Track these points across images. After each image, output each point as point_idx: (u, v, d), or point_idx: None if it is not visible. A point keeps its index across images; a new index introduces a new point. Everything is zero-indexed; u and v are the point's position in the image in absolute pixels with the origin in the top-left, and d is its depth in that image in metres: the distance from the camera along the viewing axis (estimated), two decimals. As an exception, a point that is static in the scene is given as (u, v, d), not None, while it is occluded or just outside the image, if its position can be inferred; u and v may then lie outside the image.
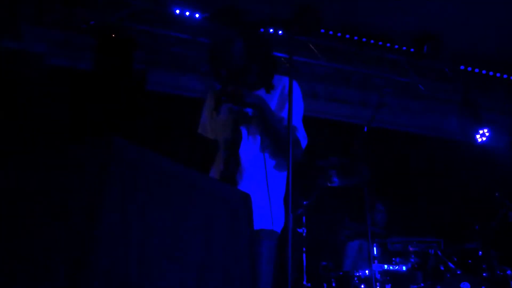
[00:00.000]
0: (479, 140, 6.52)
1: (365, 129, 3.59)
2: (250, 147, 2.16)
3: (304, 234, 3.91)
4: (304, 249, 3.76)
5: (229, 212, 1.55)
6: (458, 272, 3.56)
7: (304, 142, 2.23)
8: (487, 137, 6.48)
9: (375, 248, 3.85)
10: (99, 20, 5.01)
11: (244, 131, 2.17)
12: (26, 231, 1.15)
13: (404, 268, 3.73)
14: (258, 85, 2.21)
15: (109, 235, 1.11)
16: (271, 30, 5.36)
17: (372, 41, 5.84)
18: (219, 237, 1.49)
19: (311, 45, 5.70)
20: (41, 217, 1.13)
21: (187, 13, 5.09)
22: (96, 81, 4.97)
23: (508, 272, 3.74)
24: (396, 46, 5.96)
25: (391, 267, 3.76)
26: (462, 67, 6.31)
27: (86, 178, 1.13)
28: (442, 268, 3.69)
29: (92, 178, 1.12)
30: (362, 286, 3.84)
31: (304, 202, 3.98)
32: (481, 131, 6.55)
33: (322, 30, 5.60)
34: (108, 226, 1.11)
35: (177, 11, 5.07)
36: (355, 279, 3.83)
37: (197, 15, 5.10)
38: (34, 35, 4.90)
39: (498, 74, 6.45)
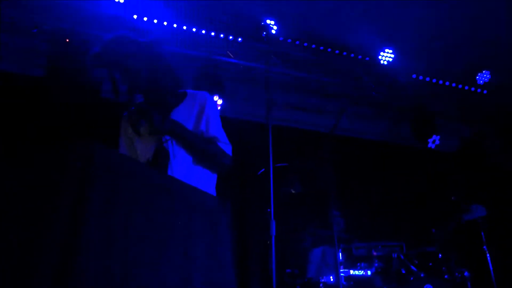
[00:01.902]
0: (432, 145, 6.75)
1: (329, 135, 3.63)
2: (177, 165, 2.12)
3: (268, 242, 3.88)
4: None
5: (211, 221, 1.50)
6: (421, 275, 3.63)
7: (228, 149, 2.20)
8: (438, 142, 6.72)
9: (340, 254, 3.88)
10: (52, 25, 4.81)
11: (169, 149, 2.13)
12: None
13: (369, 272, 3.77)
14: (168, 103, 2.19)
15: (93, 244, 1.06)
16: (237, 39, 5.38)
17: (329, 50, 5.95)
18: (201, 245, 1.44)
19: (270, 53, 5.72)
20: (20, 228, 1.05)
21: (145, 18, 5.00)
22: (49, 88, 4.76)
23: (466, 273, 3.85)
24: (352, 55, 6.10)
25: (356, 272, 3.80)
26: (414, 76, 6.54)
27: (68, 186, 1.07)
28: (404, 271, 3.75)
29: (75, 186, 1.07)
30: (327, 292, 3.85)
31: (268, 210, 3.96)
32: (432, 138, 6.78)
33: (281, 38, 5.64)
34: (91, 235, 1.07)
35: (135, 16, 4.96)
36: (321, 285, 3.84)
37: (154, 21, 5.03)
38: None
39: (447, 83, 6.73)
